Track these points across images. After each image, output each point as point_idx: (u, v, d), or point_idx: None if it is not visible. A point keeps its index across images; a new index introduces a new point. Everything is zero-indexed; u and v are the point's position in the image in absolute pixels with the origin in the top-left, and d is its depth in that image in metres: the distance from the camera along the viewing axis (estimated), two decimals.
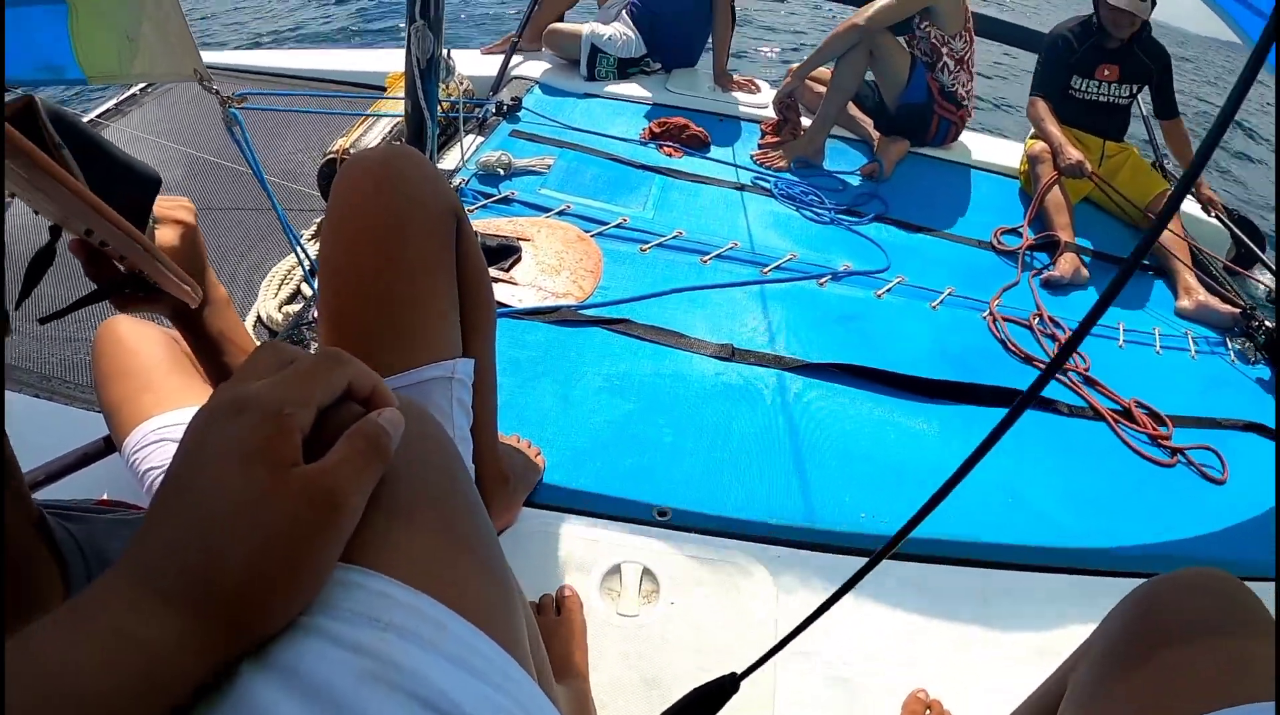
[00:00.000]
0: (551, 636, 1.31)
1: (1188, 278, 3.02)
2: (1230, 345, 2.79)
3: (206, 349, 1.01)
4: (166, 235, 0.89)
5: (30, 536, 0.53)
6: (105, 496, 1.42)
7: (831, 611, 1.49)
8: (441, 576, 0.46)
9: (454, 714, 0.40)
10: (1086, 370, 2.42)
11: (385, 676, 0.39)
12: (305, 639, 0.40)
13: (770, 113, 3.58)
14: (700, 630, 1.42)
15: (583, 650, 1.33)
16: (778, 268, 2.62)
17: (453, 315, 1.06)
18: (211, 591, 0.38)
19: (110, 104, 3.11)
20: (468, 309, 1.09)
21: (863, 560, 1.58)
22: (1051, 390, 2.31)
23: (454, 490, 0.52)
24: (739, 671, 0.97)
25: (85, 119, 2.91)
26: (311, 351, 0.49)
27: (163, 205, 0.89)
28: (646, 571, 1.50)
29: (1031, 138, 3.44)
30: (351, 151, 2.67)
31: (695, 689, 0.98)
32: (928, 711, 1.38)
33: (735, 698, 1.32)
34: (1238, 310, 2.88)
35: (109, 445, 1.48)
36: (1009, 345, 2.49)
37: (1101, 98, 3.36)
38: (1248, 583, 0.82)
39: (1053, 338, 2.56)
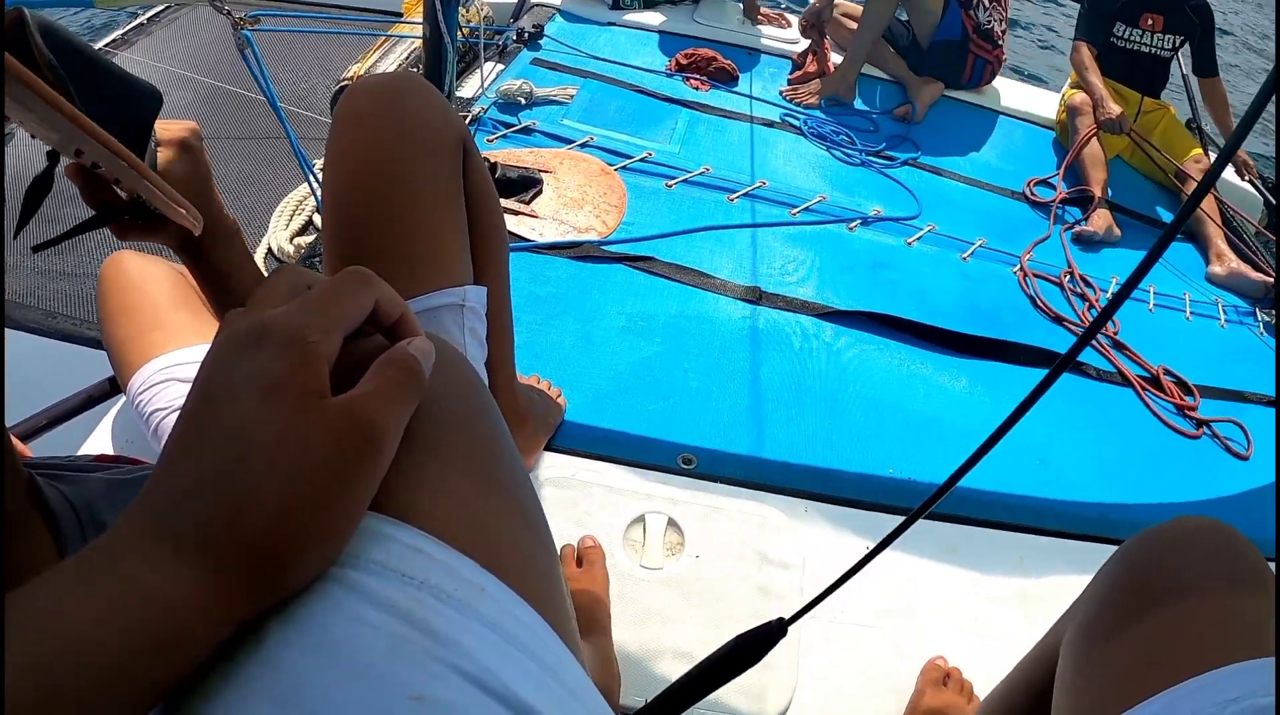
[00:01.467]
0: (573, 590, 1.27)
1: (1220, 243, 2.94)
2: (1259, 316, 2.73)
3: (213, 281, 0.95)
4: (168, 158, 0.83)
5: (21, 502, 0.49)
6: (108, 451, 1.38)
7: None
8: (479, 531, 0.41)
9: (494, 688, 0.36)
10: (1116, 334, 2.36)
11: (422, 645, 0.35)
12: (337, 593, 0.35)
13: (800, 47, 3.47)
14: (725, 584, 1.39)
15: (605, 604, 1.30)
16: (807, 209, 2.54)
17: (461, 243, 1.01)
18: (234, 538, 0.34)
19: (117, 34, 2.98)
20: (478, 239, 1.04)
21: (888, 516, 1.57)
22: (1081, 353, 2.25)
23: (489, 432, 0.47)
24: (786, 617, 0.93)
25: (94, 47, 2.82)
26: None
27: (165, 127, 0.83)
28: (671, 523, 1.45)
29: (1071, 87, 3.33)
30: (367, 76, 2.58)
31: (740, 635, 0.94)
32: (946, 679, 1.34)
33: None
34: (1270, 278, 2.81)
35: (114, 386, 1.42)
36: (1038, 303, 2.42)
37: (1144, 48, 3.24)
38: (1270, 564, 0.77)
39: (1083, 298, 2.50)
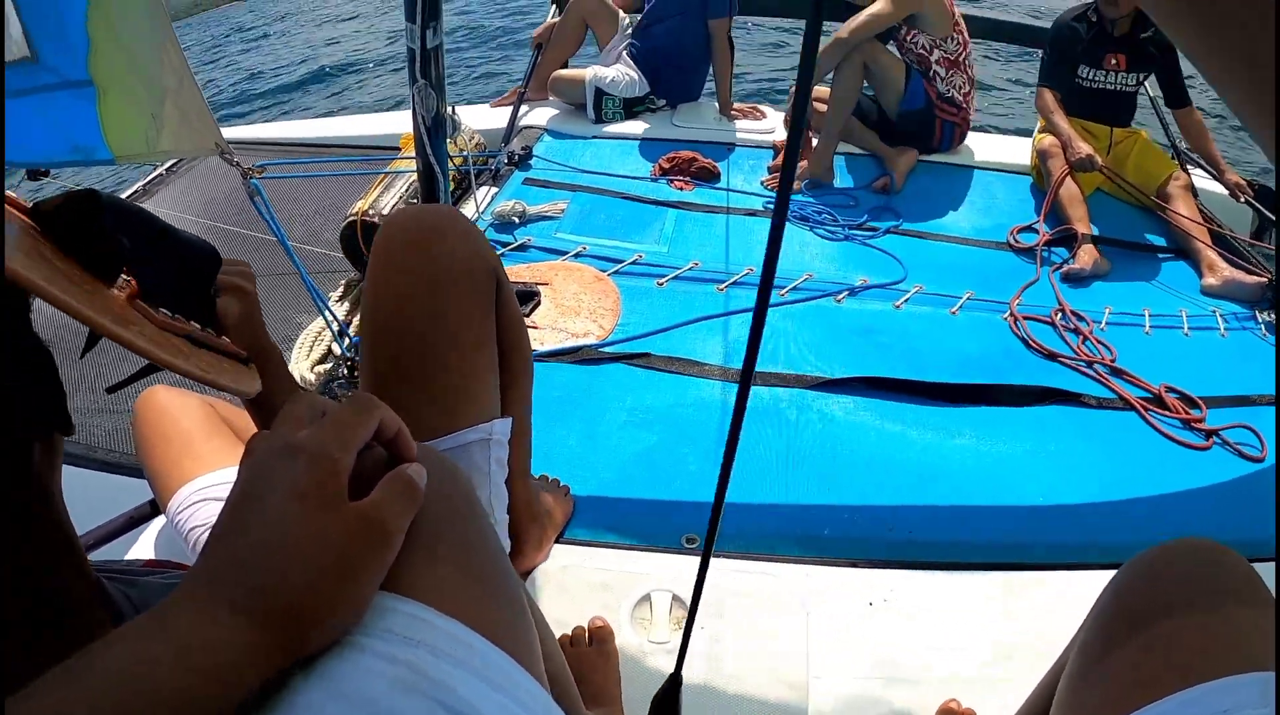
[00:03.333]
0: (585, 667, 1.34)
1: (1210, 255, 2.98)
2: (1260, 318, 2.75)
3: (261, 404, 1.00)
4: (229, 304, 0.90)
5: (90, 601, 0.59)
6: (152, 557, 1.49)
7: (865, 621, 1.51)
8: (464, 602, 0.52)
9: None
10: (1113, 361, 2.40)
11: (417, 686, 0.45)
12: (349, 653, 0.46)
13: (778, 136, 3.64)
14: (732, 654, 1.44)
15: (615, 679, 1.36)
16: (794, 288, 2.65)
17: (493, 376, 1.11)
18: (275, 605, 0.44)
19: (139, 185, 3.26)
20: (507, 368, 1.14)
21: (891, 571, 1.62)
22: (1078, 383, 2.30)
23: (475, 529, 0.58)
24: (674, 671, 1.04)
25: None
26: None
27: (223, 271, 0.89)
28: (676, 599, 1.52)
29: (1040, 131, 3.44)
30: (370, 212, 2.75)
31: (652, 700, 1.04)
32: None
33: (769, 704, 1.35)
34: (1265, 279, 2.84)
35: (154, 508, 1.55)
36: (1031, 343, 2.48)
37: (1109, 86, 3.35)
38: (1270, 565, 0.78)
39: (1076, 332, 2.55)
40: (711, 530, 0.89)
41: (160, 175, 3.32)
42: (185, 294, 0.78)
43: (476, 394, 1.07)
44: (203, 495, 1.30)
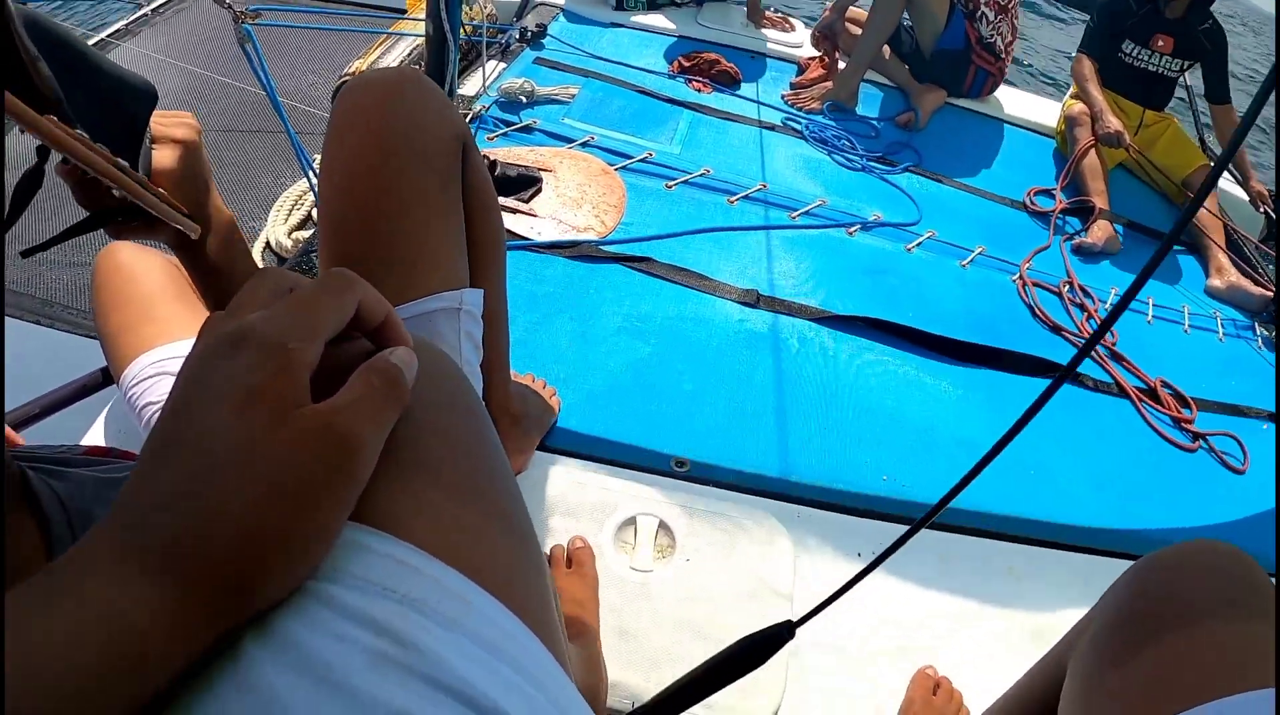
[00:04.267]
0: (562, 591, 1.26)
1: (1220, 257, 2.93)
2: (1258, 331, 2.72)
3: (210, 279, 0.93)
4: (164, 156, 0.81)
5: (11, 498, 0.48)
6: (99, 444, 1.36)
7: (854, 569, 1.45)
8: (463, 541, 0.40)
9: (478, 701, 0.34)
10: (1114, 345, 2.35)
11: (403, 660, 0.34)
12: (314, 610, 0.34)
13: (804, 52, 3.46)
14: (716, 589, 1.37)
15: (594, 606, 1.28)
16: (806, 213, 2.53)
17: (458, 246, 1.00)
18: (203, 555, 0.33)
19: (121, 24, 2.98)
20: (475, 241, 1.03)
21: (881, 523, 1.56)
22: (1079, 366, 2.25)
23: (476, 439, 0.45)
24: (794, 620, 0.92)
25: (96, 39, 2.80)
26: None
27: (161, 122, 0.81)
28: (663, 525, 1.44)
29: (1071, 97, 3.33)
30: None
31: (748, 636, 0.93)
32: (936, 688, 1.33)
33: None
34: (1269, 293, 2.81)
35: (107, 377, 1.41)
36: (1037, 312, 2.41)
37: (1151, 67, 3.23)
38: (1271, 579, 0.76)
39: (1081, 308, 2.49)
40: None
41: (145, 15, 3.04)
42: (110, 134, 0.67)
43: (440, 261, 0.96)
44: (160, 367, 1.16)
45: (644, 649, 1.27)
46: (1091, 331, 2.38)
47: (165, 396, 0.39)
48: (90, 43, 2.64)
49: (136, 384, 1.18)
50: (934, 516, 0.79)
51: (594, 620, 1.26)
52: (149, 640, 0.31)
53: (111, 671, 0.30)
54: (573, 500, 1.46)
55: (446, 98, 0.99)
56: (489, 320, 1.08)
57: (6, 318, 1.68)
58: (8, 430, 1.26)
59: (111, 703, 0.30)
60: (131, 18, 3.03)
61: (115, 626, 0.31)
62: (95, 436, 1.41)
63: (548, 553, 1.35)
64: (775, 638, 0.85)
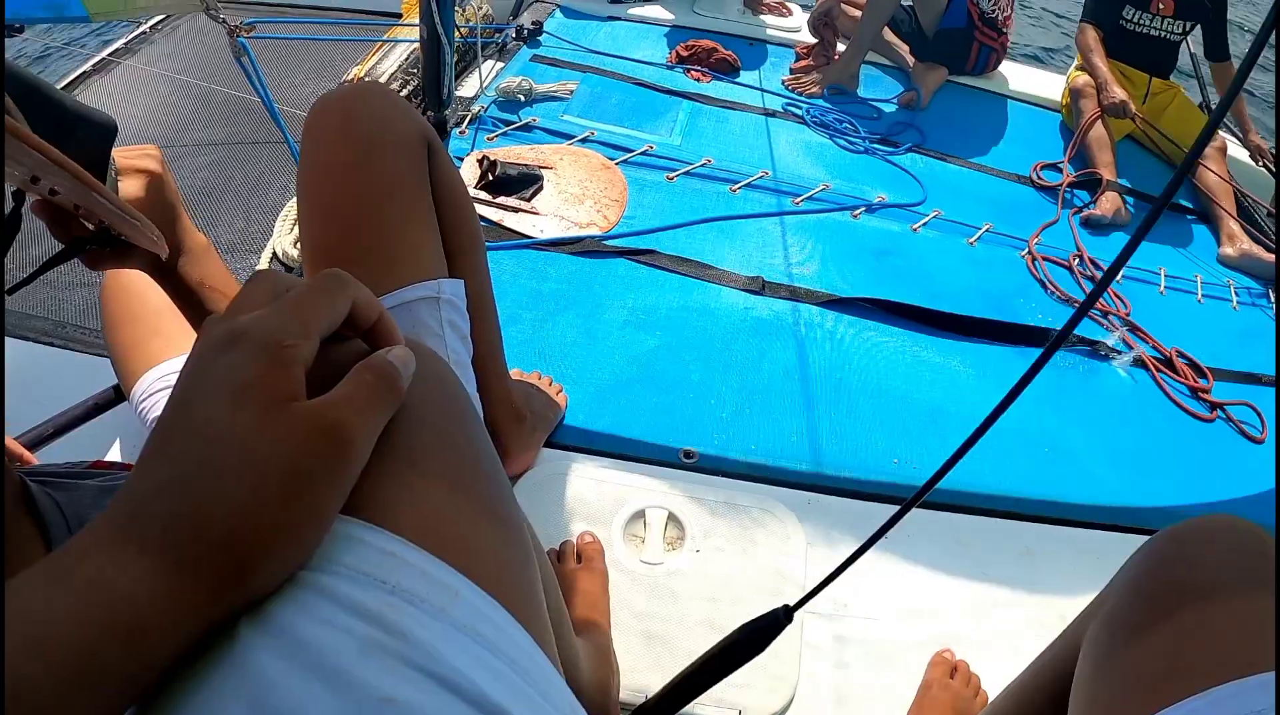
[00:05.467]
0: (571, 586, 1.27)
1: (1231, 224, 2.89)
2: (1272, 298, 2.68)
3: (187, 299, 0.97)
4: (131, 187, 0.84)
5: (12, 508, 0.50)
6: (104, 458, 1.38)
7: (858, 562, 1.45)
8: (452, 534, 0.41)
9: (465, 689, 0.35)
10: (1129, 314, 2.32)
11: (392, 648, 0.35)
12: (306, 597, 0.36)
13: (803, 37, 3.44)
14: (726, 579, 1.37)
15: (604, 600, 1.29)
16: (810, 198, 2.52)
17: (432, 238, 1.04)
18: (196, 537, 0.34)
19: (120, 43, 2.99)
20: (450, 234, 1.07)
21: (893, 506, 1.55)
22: (1093, 332, 2.22)
23: (465, 436, 0.47)
24: (790, 604, 0.93)
25: (97, 58, 2.82)
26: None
27: (125, 155, 0.84)
28: (671, 517, 1.44)
29: (1076, 69, 3.29)
30: (367, 79, 2.57)
31: (747, 623, 0.94)
32: (954, 671, 1.32)
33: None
34: None
35: (119, 393, 1.43)
36: (1048, 285, 2.39)
37: (1154, 32, 3.19)
38: None
39: (1092, 279, 2.46)
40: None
41: (144, 33, 3.06)
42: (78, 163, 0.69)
43: (415, 253, 1.01)
44: (168, 381, 1.19)
45: (656, 641, 1.27)
46: (1104, 303, 2.36)
47: None
48: (91, 63, 2.65)
49: (146, 398, 1.20)
50: (927, 493, 0.79)
51: (605, 614, 1.26)
52: (147, 616, 0.32)
53: (111, 645, 0.31)
54: (581, 495, 1.46)
55: (405, 101, 1.06)
56: (475, 313, 1.11)
57: (20, 340, 1.71)
58: (22, 450, 1.29)
59: (114, 674, 0.31)
60: (131, 35, 3.05)
61: (115, 602, 0.32)
62: (110, 452, 1.42)
63: (557, 548, 1.35)
64: (773, 624, 0.85)
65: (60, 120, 0.71)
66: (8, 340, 1.73)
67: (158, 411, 1.18)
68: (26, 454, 1.31)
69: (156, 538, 0.34)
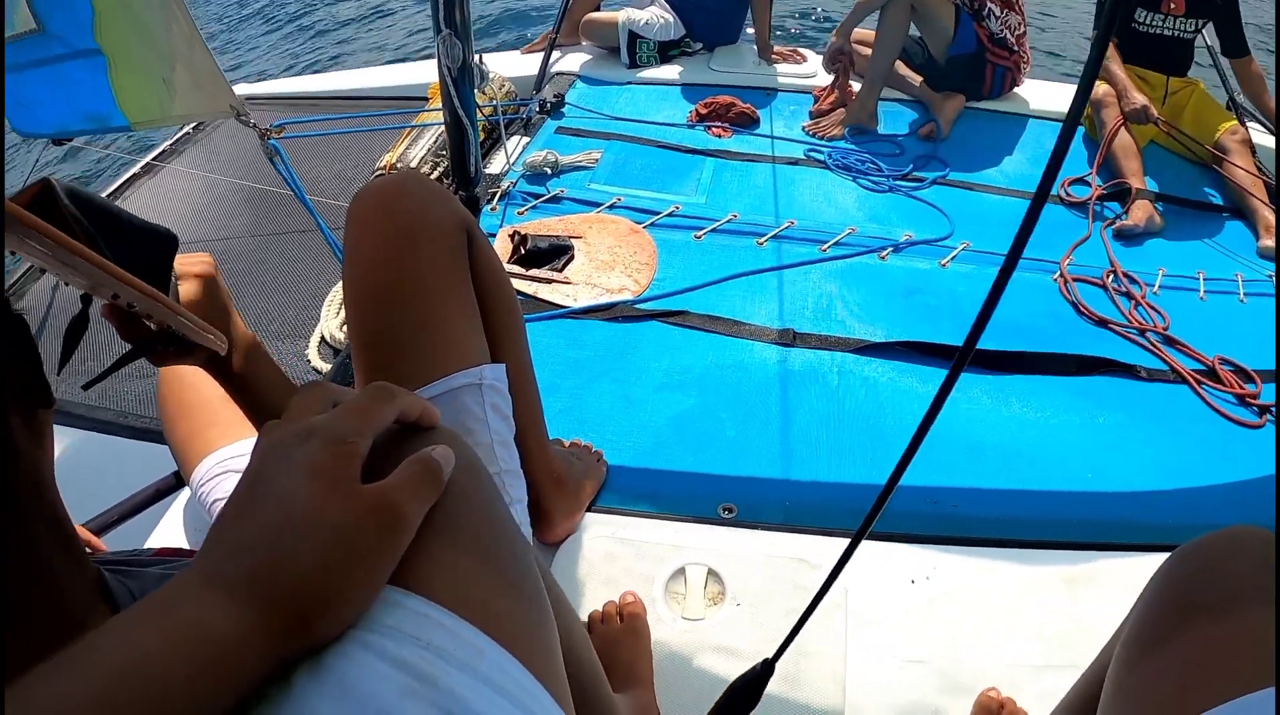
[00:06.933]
0: (614, 645, 1.31)
1: (1268, 215, 2.84)
2: None
3: (241, 391, 1.04)
4: (189, 290, 0.93)
5: (89, 596, 0.57)
6: (173, 544, 1.48)
7: (908, 597, 1.47)
8: (479, 602, 0.49)
9: None
10: (1166, 329, 2.31)
11: (426, 695, 0.42)
12: (356, 651, 0.43)
13: (819, 80, 3.51)
14: (767, 631, 1.40)
15: (647, 658, 1.33)
16: (836, 243, 2.57)
17: (473, 324, 1.11)
18: (276, 585, 0.42)
19: (165, 145, 3.21)
20: (490, 315, 1.14)
21: (931, 549, 1.57)
22: (1130, 354, 2.21)
23: (493, 520, 0.54)
24: (770, 657, 0.98)
25: (142, 162, 3.02)
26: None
27: (182, 262, 0.93)
28: (711, 573, 1.48)
29: None
30: (399, 165, 2.69)
31: (731, 683, 1.00)
32: (1000, 709, 1.32)
33: (806, 685, 1.31)
34: None
35: (179, 480, 1.53)
36: (1081, 308, 2.39)
37: (1166, 31, 3.20)
38: None
39: (1127, 296, 2.45)
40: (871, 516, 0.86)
41: (187, 134, 3.28)
42: (144, 275, 0.80)
43: (458, 341, 1.08)
44: (225, 467, 1.28)
45: (699, 696, 1.30)
46: (1140, 320, 2.35)
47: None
48: (138, 166, 2.83)
49: (206, 482, 1.30)
50: (870, 526, 0.85)
51: (647, 672, 1.31)
52: (232, 650, 0.40)
53: (203, 674, 0.39)
54: (623, 556, 1.51)
55: (446, 190, 1.13)
56: (516, 391, 1.17)
57: (85, 431, 1.84)
58: (91, 536, 1.40)
59: (201, 703, 0.38)
60: (175, 137, 3.26)
61: (207, 637, 0.39)
62: (174, 536, 1.52)
63: (599, 611, 1.40)
64: (757, 679, 0.91)
65: (128, 235, 0.81)
66: (78, 432, 1.86)
67: (216, 494, 1.28)
68: (95, 540, 1.42)
69: (243, 586, 0.41)
